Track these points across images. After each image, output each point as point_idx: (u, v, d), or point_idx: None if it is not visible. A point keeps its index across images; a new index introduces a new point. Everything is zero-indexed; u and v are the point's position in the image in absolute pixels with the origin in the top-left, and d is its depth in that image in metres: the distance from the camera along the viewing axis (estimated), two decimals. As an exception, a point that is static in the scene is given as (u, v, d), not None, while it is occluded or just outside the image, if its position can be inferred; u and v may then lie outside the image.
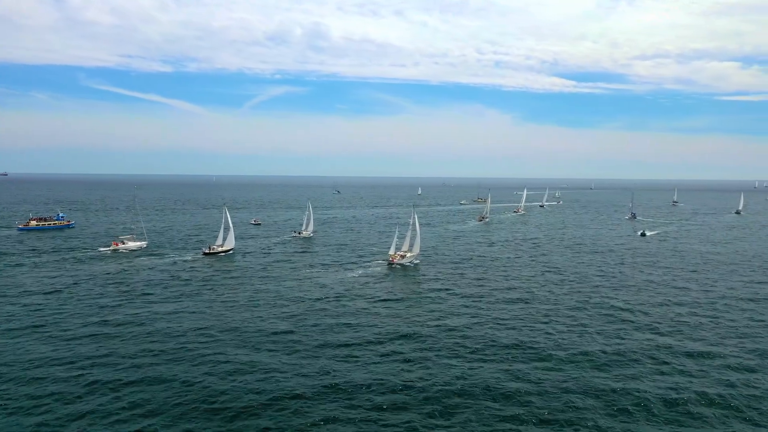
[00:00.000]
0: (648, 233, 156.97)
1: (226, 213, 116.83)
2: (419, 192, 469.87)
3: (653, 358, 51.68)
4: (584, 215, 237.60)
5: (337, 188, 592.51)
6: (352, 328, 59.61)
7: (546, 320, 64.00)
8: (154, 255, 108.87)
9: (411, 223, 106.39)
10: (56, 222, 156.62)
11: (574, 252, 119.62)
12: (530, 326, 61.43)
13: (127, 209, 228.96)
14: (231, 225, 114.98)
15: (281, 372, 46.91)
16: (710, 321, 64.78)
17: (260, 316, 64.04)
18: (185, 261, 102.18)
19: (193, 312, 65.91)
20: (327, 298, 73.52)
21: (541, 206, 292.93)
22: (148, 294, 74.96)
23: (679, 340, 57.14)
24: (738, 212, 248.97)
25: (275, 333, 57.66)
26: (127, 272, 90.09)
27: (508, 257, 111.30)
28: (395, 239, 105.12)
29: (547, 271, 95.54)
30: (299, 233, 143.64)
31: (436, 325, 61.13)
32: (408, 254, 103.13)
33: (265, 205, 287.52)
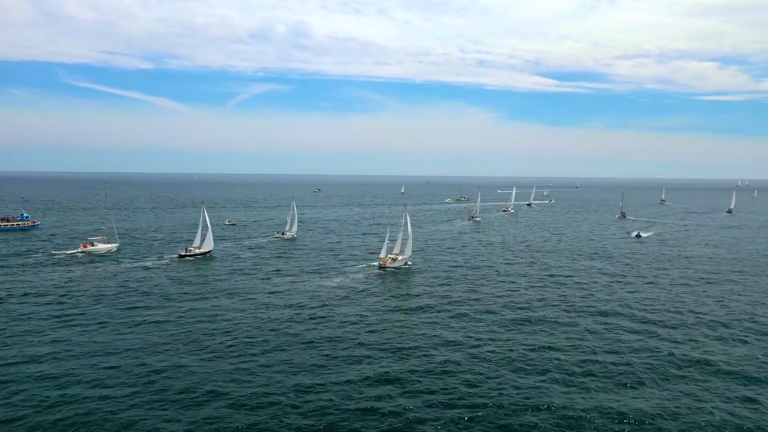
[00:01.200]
0: (643, 234, 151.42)
1: (204, 212, 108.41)
2: (402, 191, 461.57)
3: (702, 387, 44.79)
4: (574, 214, 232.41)
5: (317, 186, 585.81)
6: (330, 360, 48.90)
7: (563, 339, 56.70)
8: (124, 258, 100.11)
9: (403, 223, 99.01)
10: (20, 222, 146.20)
11: (572, 256, 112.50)
12: (544, 349, 53.86)
13: (94, 208, 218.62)
14: (209, 225, 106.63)
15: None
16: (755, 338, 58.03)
17: (222, 342, 53.00)
18: (152, 267, 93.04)
19: (139, 337, 54.25)
20: (301, 315, 62.77)
21: (528, 205, 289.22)
22: (91, 311, 63.26)
23: (732, 367, 49.46)
24: (730, 211, 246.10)
25: (237, 369, 46.13)
26: (81, 280, 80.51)
27: (504, 262, 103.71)
28: (386, 241, 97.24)
29: (548, 280, 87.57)
30: (282, 234, 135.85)
31: (430, 355, 50.32)
32: (399, 257, 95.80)
33: (245, 204, 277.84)
